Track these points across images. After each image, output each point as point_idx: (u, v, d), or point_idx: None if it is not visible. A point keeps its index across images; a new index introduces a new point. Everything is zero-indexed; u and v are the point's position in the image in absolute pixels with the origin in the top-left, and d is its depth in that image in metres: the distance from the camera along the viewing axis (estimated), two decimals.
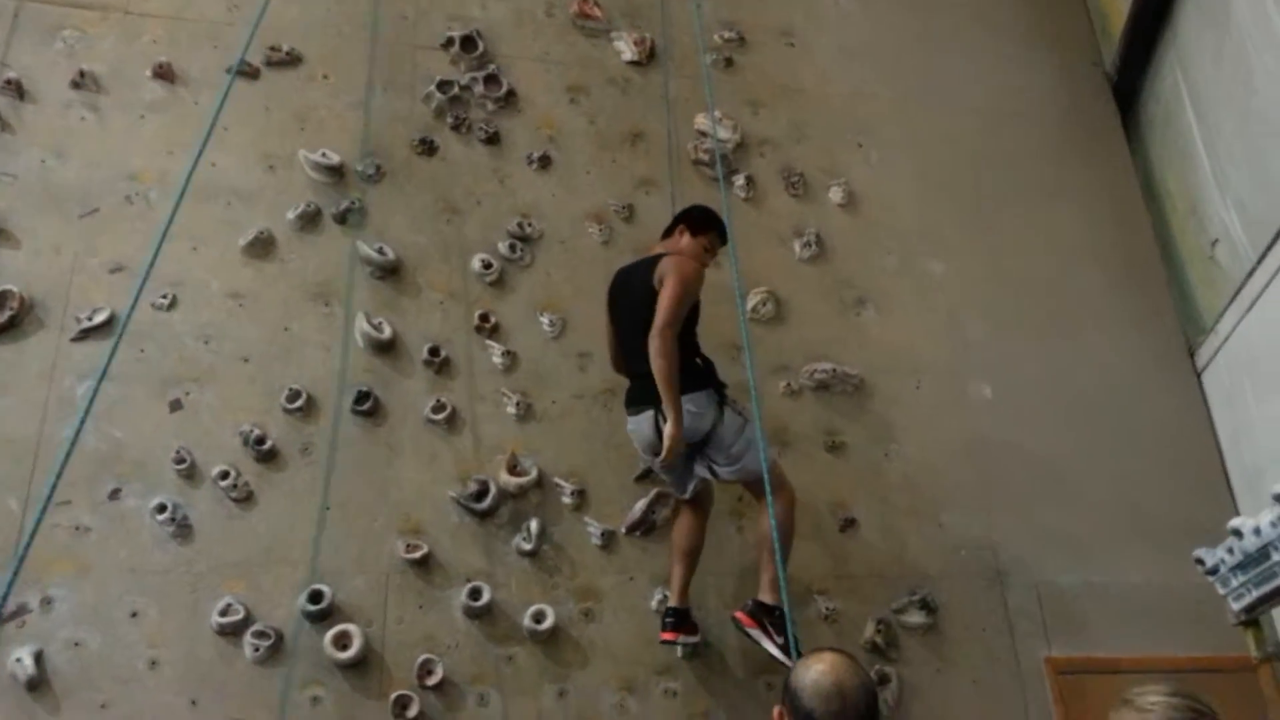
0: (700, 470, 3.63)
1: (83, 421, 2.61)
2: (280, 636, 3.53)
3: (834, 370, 4.41)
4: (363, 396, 4.00)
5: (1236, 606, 3.21)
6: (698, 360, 3.64)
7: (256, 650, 3.45)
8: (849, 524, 4.15)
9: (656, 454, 3.56)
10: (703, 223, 3.87)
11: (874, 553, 4.12)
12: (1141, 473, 4.37)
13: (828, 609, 3.94)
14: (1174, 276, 4.84)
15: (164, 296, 3.97)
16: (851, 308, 4.63)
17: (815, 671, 1.92)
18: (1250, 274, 4.19)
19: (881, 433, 4.38)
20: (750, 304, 4.48)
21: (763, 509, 3.52)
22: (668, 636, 3.67)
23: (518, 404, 4.14)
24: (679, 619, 3.67)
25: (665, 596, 3.84)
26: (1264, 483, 3.52)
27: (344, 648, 3.51)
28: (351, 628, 3.57)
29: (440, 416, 4.04)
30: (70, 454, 2.49)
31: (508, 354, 4.23)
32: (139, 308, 3.85)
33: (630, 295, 3.71)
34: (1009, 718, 3.87)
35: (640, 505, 4.02)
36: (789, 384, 4.38)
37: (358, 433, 3.99)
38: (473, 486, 3.93)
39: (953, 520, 4.22)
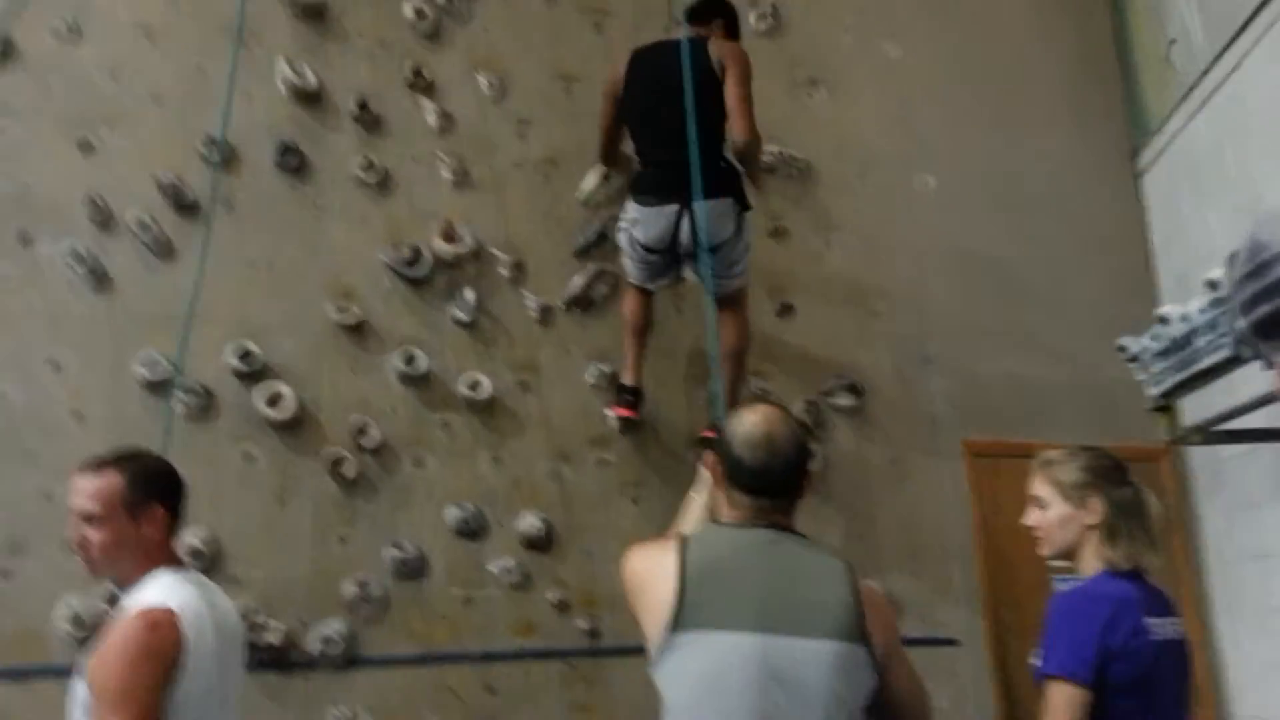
0: (688, 274, 3.60)
1: None
2: (210, 394, 3.43)
3: (780, 153, 4.29)
4: (287, 150, 3.76)
5: (1155, 391, 3.37)
6: (722, 164, 3.49)
7: (186, 407, 3.35)
8: (786, 309, 4.16)
9: (657, 251, 3.49)
10: (736, 26, 3.82)
11: (808, 338, 4.16)
12: (1072, 271, 4.44)
13: (760, 390, 4.00)
14: (1126, 76, 4.78)
15: (67, 26, 3.59)
16: (803, 88, 4.47)
17: (748, 422, 1.97)
18: (1204, 74, 4.13)
19: (824, 220, 4.34)
20: None
21: (724, 324, 3.54)
22: (626, 413, 3.68)
23: (454, 169, 3.94)
24: (636, 397, 3.69)
25: (602, 371, 3.84)
26: (1190, 286, 3.62)
27: (276, 407, 3.44)
28: (283, 387, 3.48)
29: (371, 177, 3.83)
30: None
31: (443, 115, 3.99)
32: (39, 39, 3.56)
33: (670, 78, 3.37)
34: (925, 495, 4.06)
35: (579, 280, 3.95)
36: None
37: (283, 189, 3.77)
38: (405, 252, 3.78)
39: (886, 308, 4.27)
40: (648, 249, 3.53)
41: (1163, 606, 2.24)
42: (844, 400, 4.09)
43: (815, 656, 1.80)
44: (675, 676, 1.83)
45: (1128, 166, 4.67)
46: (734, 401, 3.52)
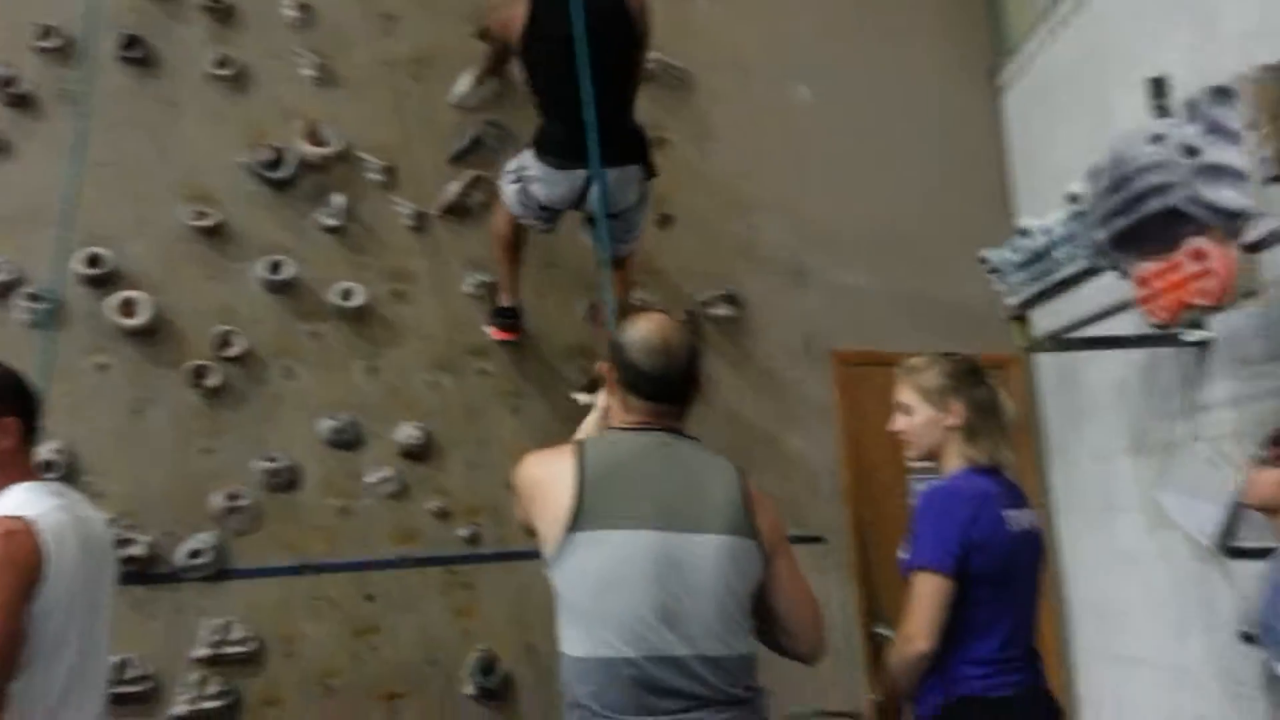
0: (585, 234, 3.56)
1: None
2: (58, 301, 3.22)
3: (659, 61, 4.23)
4: (131, 41, 3.49)
5: (1013, 301, 3.53)
6: (631, 126, 3.40)
7: (32, 314, 3.14)
8: (666, 220, 4.15)
9: (551, 209, 3.41)
10: None
11: (686, 249, 4.17)
12: (937, 184, 4.56)
13: (639, 300, 4.00)
14: None
15: None
16: None
17: (643, 329, 1.99)
18: None
19: (701, 130, 4.32)
20: None
21: (616, 280, 3.50)
22: (505, 335, 3.66)
23: (315, 66, 3.74)
24: (515, 317, 3.66)
25: (481, 280, 3.78)
26: (1047, 201, 3.77)
27: (130, 314, 3.25)
28: (137, 295, 3.29)
29: (225, 72, 3.60)
30: None
31: (301, 7, 3.77)
32: None
33: (570, 25, 3.05)
34: (797, 402, 4.19)
35: (454, 187, 3.84)
36: None
37: (129, 84, 3.51)
38: (266, 153, 3.59)
39: (763, 221, 4.32)
40: (545, 207, 3.42)
41: (1019, 499, 2.39)
42: (722, 310, 4.14)
43: (709, 549, 1.87)
44: (575, 574, 1.85)
45: (989, 83, 4.80)
46: None
